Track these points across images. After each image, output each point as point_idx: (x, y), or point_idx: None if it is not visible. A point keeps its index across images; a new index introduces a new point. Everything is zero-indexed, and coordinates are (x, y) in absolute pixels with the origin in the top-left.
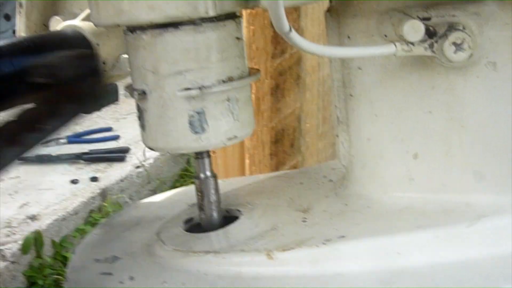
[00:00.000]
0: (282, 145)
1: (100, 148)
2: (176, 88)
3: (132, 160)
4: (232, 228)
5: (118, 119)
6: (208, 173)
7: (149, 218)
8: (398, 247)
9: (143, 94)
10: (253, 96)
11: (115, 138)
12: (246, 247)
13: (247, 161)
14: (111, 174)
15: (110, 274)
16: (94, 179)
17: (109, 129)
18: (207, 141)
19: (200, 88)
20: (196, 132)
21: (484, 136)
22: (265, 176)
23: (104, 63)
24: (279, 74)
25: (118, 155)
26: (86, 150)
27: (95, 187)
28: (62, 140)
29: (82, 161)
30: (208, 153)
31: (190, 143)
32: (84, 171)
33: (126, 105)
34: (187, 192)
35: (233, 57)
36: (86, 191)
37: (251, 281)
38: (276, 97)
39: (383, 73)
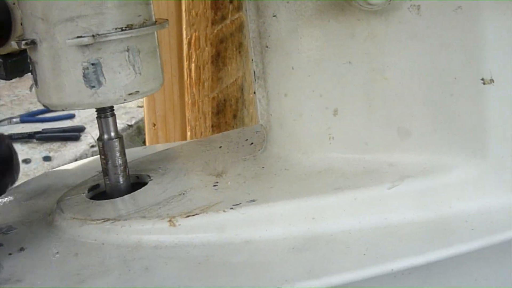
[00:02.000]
0: (224, 116)
1: (54, 127)
2: (68, 37)
3: (87, 139)
4: (137, 194)
5: None
6: (112, 134)
7: (57, 186)
8: (313, 212)
9: (32, 44)
10: (193, 65)
11: (70, 117)
12: (148, 214)
13: (188, 133)
14: (65, 153)
15: (0, 245)
16: (47, 158)
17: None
18: (105, 96)
19: (93, 36)
20: (91, 86)
21: (408, 88)
22: (186, 142)
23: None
24: (220, 41)
25: (72, 134)
26: (39, 129)
27: (48, 167)
28: (15, 119)
29: (35, 141)
30: (111, 110)
31: (86, 98)
32: (37, 151)
33: None
34: None
35: (133, 3)
36: (38, 171)
37: (151, 250)
38: (217, 66)
39: (299, 20)
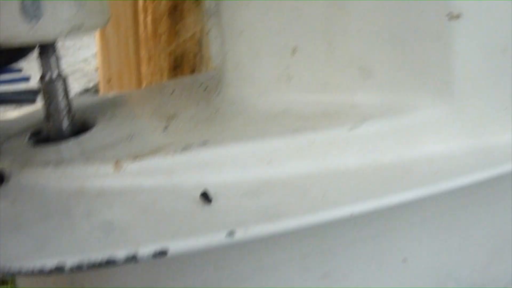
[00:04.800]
0: (181, 72)
1: (8, 90)
2: None
3: None
4: (82, 138)
5: (29, 60)
6: (55, 73)
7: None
8: (268, 154)
9: None
10: (149, 17)
11: (25, 79)
12: (93, 158)
13: None
14: None
15: None
16: None
17: (19, 70)
18: (44, 30)
19: None
20: (30, 19)
21: (370, 24)
22: (133, 90)
23: None
24: None
25: (28, 97)
26: None
27: None
28: None
29: None
30: (53, 48)
31: (24, 32)
32: None
33: None
34: None
35: None
36: None
37: (94, 195)
38: (174, 19)
39: None
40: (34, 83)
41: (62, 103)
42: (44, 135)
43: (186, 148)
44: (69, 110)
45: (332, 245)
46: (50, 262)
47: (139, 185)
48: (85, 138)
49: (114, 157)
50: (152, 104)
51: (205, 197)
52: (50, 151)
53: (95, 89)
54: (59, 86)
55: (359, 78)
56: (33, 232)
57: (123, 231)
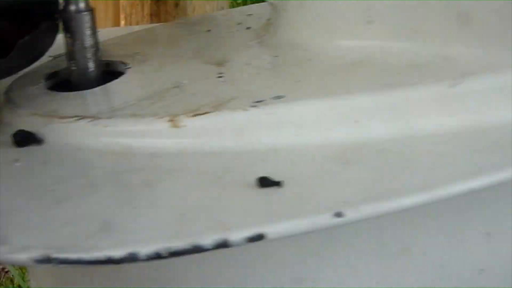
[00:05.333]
0: (165, 5)
1: None
2: None
3: None
4: (117, 85)
5: None
6: (82, 5)
7: None
8: (356, 113)
9: None
10: None
11: None
12: (139, 111)
13: (122, 22)
14: None
15: None
16: None
17: None
18: None
19: None
20: None
21: None
22: (155, 25)
23: None
24: None
25: None
26: None
27: None
28: None
29: None
30: None
31: None
32: None
33: None
34: None
35: None
36: None
37: (147, 159)
38: None
39: None
40: None
41: (90, 40)
42: (61, 79)
43: (258, 103)
44: (97, 50)
45: (411, 219)
46: (120, 250)
47: (201, 148)
48: (121, 86)
49: (166, 111)
50: (188, 44)
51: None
52: (81, 101)
53: None
54: (87, 20)
55: (456, 25)
56: (83, 208)
57: (196, 209)
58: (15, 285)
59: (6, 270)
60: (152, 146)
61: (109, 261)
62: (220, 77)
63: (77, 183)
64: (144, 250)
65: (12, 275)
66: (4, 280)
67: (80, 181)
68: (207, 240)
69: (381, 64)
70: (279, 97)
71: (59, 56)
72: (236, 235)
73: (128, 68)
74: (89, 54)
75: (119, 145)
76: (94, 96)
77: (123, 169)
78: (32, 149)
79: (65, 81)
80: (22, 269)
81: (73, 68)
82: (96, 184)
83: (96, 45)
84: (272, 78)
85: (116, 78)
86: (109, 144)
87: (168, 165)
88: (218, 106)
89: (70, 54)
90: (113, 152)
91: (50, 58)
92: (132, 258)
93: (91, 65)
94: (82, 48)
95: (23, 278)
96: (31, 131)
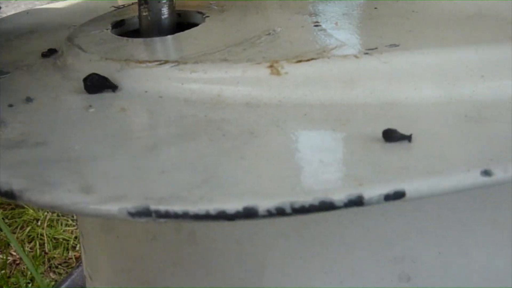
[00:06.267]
0: None
1: None
2: None
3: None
4: (197, 31)
5: None
6: None
7: (50, 25)
8: (483, 67)
9: None
10: None
11: None
12: (230, 57)
13: None
14: None
15: None
16: None
17: None
18: None
19: None
20: None
21: None
22: None
23: None
24: None
25: None
26: None
27: None
28: None
29: None
30: None
31: None
32: None
33: None
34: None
35: None
36: None
37: (242, 108)
38: None
39: None
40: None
41: None
42: (128, 27)
43: (371, 50)
44: None
45: None
46: (235, 203)
47: (306, 98)
48: (201, 32)
49: (264, 57)
50: None
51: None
52: (157, 47)
53: None
54: None
55: None
56: (180, 157)
57: (316, 162)
58: (27, 279)
59: (17, 262)
60: (248, 94)
61: (221, 216)
62: (317, 25)
63: (166, 131)
64: (264, 204)
65: (25, 267)
66: (15, 272)
67: (169, 129)
68: (340, 195)
69: (502, 18)
70: (394, 45)
71: (122, 6)
72: (371, 192)
73: (207, 17)
74: (163, 1)
75: (208, 92)
76: (173, 42)
77: (218, 118)
78: (105, 95)
79: (132, 31)
80: (36, 259)
81: (145, 13)
82: (190, 132)
83: None
84: (378, 28)
85: (191, 27)
86: (196, 91)
87: (271, 115)
88: (323, 53)
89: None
90: (202, 101)
91: (113, 9)
92: (249, 213)
93: (165, 11)
94: None
95: (36, 270)
96: (105, 76)
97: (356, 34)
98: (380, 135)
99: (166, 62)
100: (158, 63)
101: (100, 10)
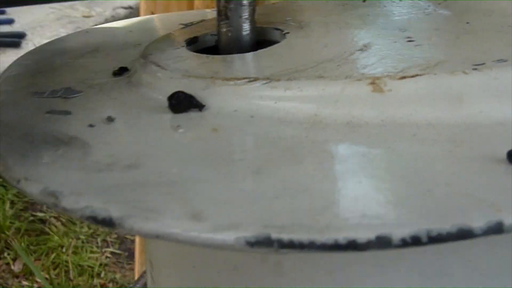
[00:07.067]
0: None
1: None
2: None
3: (29, 47)
4: (281, 47)
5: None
6: None
7: (113, 44)
8: None
9: None
10: None
11: (9, 21)
12: (324, 73)
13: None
14: (4, 60)
15: (67, 113)
16: None
17: (2, 12)
18: None
19: None
20: None
21: None
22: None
23: None
24: None
25: (12, 40)
26: None
27: None
28: None
29: None
30: None
31: None
32: None
33: None
34: (168, 17)
35: None
36: None
37: (344, 129)
38: None
39: None
40: (18, 27)
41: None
42: (201, 45)
43: (479, 66)
44: (254, 10)
45: None
46: (367, 232)
47: (410, 118)
48: (285, 49)
49: (363, 74)
50: (349, 12)
51: None
52: (242, 64)
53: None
54: None
55: None
56: (290, 181)
57: (441, 185)
58: None
59: None
60: (348, 113)
61: (351, 245)
62: (411, 41)
63: (268, 153)
64: (398, 232)
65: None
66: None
67: (271, 151)
68: (479, 222)
69: None
70: (502, 60)
71: (190, 24)
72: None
73: (286, 33)
74: (246, 14)
75: (305, 112)
76: (258, 59)
77: (321, 138)
78: (191, 115)
79: (205, 49)
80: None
81: (225, 29)
82: (294, 155)
83: (253, 3)
84: (478, 43)
85: (271, 45)
86: (291, 110)
87: (377, 136)
88: (427, 69)
89: (223, 13)
90: (299, 120)
91: (181, 26)
92: (381, 243)
93: (247, 27)
94: (239, 6)
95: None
96: (190, 94)
97: (456, 49)
98: (502, 156)
99: (256, 79)
100: (247, 80)
101: (159, 28)
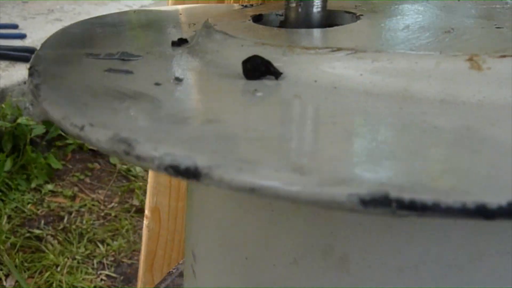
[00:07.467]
0: None
1: (2, 45)
2: None
3: None
4: (358, 25)
5: (25, 18)
6: None
7: (166, 22)
8: None
9: None
10: None
11: (21, 36)
12: (417, 47)
13: None
14: (13, 74)
15: (128, 72)
16: None
17: (14, 26)
18: None
19: None
20: None
21: None
22: None
23: None
24: None
25: (23, 55)
26: None
27: None
28: None
29: None
30: None
31: None
32: None
33: (36, 4)
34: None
35: None
36: None
37: (439, 105)
38: None
39: None
40: (29, 42)
41: None
42: (265, 23)
43: None
44: None
45: None
46: (498, 197)
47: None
48: (362, 26)
49: (459, 49)
50: (420, 3)
51: None
52: (319, 36)
53: None
54: None
55: None
56: (397, 145)
57: None
58: None
59: None
60: (442, 90)
61: (481, 211)
62: (499, 28)
63: (363, 120)
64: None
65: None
66: None
67: (365, 117)
68: None
69: None
70: None
71: (250, 5)
72: None
73: (360, 15)
74: None
75: (394, 85)
76: (337, 33)
77: (418, 111)
78: (266, 82)
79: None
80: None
81: (293, 5)
82: (391, 123)
83: None
84: None
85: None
86: (379, 83)
87: (476, 114)
88: None
89: None
90: (387, 94)
91: (242, 6)
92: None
93: (319, 3)
94: None
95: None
96: (268, 60)
97: None
98: None
99: (339, 49)
100: (330, 50)
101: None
